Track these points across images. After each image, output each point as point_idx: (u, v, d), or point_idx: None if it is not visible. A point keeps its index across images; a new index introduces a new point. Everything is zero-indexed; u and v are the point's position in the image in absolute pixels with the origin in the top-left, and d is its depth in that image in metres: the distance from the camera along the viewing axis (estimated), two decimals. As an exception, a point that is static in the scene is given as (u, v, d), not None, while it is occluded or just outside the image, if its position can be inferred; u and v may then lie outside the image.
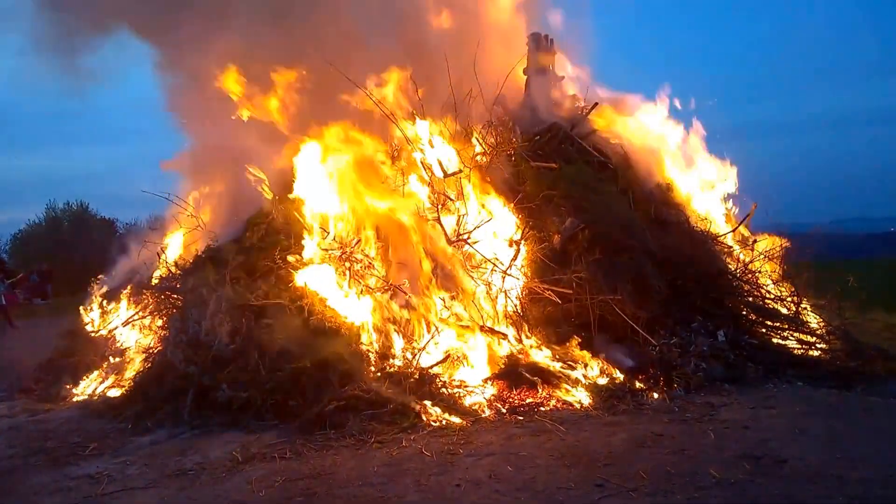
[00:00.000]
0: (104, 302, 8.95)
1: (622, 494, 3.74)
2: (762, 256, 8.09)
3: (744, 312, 7.36)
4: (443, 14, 9.27)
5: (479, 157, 7.73)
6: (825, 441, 4.45)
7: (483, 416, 5.44)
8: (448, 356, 6.17)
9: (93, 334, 8.50)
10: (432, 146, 7.12)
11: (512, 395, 5.77)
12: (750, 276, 7.99)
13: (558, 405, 5.60)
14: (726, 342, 6.55)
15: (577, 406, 5.57)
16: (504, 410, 5.53)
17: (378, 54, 7.95)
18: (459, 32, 9.02)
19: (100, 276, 9.46)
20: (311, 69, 8.09)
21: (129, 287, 8.81)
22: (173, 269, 8.08)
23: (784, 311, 7.67)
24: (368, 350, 6.11)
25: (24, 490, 4.42)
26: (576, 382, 5.88)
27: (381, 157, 7.47)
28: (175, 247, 8.85)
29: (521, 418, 5.31)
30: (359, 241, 6.88)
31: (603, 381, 5.98)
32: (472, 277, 6.72)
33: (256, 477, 4.32)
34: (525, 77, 9.22)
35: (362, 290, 6.54)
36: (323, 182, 7.07)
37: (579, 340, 6.29)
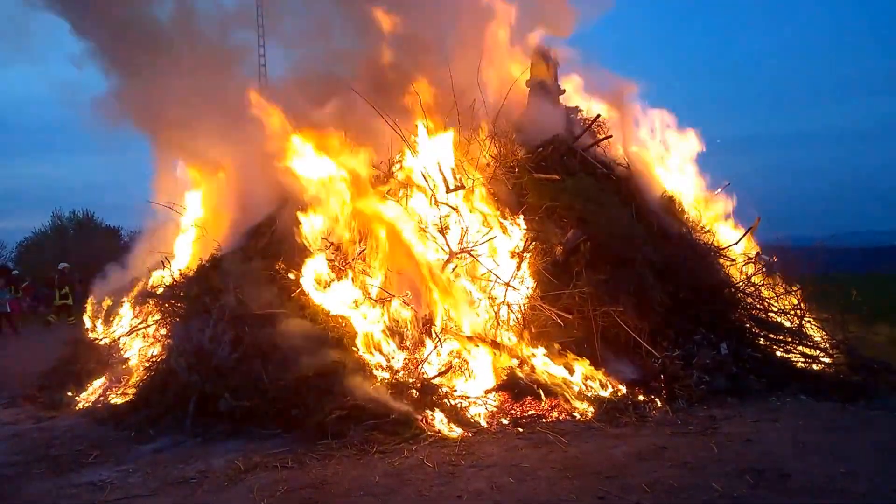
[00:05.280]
0: (108, 310, 8.99)
1: (624, 507, 3.73)
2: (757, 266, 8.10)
3: (747, 325, 7.36)
4: (446, 26, 9.37)
5: (481, 169, 7.78)
6: (828, 455, 4.43)
7: (485, 427, 5.44)
8: (450, 367, 6.18)
9: (96, 342, 8.53)
10: (439, 166, 7.15)
11: (514, 407, 5.77)
12: (753, 288, 7.99)
13: (561, 417, 5.60)
14: (729, 355, 6.54)
15: (580, 418, 5.57)
16: (506, 422, 5.53)
17: (381, 67, 8.04)
18: (463, 45, 9.11)
19: (93, 288, 9.53)
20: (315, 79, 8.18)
21: (130, 294, 8.86)
22: (177, 278, 8.12)
23: (787, 324, 7.67)
24: (371, 360, 6.11)
25: (27, 497, 4.42)
26: (578, 394, 5.88)
27: (383, 169, 7.53)
28: (179, 255, 8.90)
29: (523, 430, 5.31)
30: (362, 251, 6.91)
31: (605, 393, 5.97)
32: (475, 289, 6.74)
33: (258, 486, 4.32)
34: (528, 89, 9.30)
35: (365, 300, 6.56)
36: (324, 192, 7.12)
37: (582, 352, 6.29)
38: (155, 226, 10.04)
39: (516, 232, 7.07)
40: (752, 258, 8.48)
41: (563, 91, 9.44)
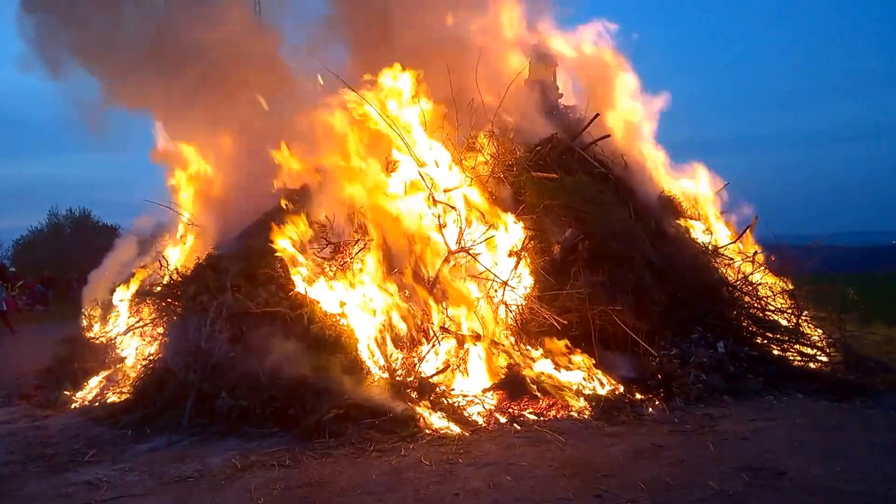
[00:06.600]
0: (104, 308, 8.99)
1: (621, 505, 3.74)
2: (760, 267, 8.12)
3: (744, 324, 7.37)
4: (445, 25, 9.36)
5: (480, 168, 7.78)
6: (824, 454, 4.45)
7: (482, 425, 5.45)
8: (448, 366, 6.18)
9: (93, 341, 8.51)
10: (438, 165, 7.15)
11: (512, 405, 5.78)
12: (750, 287, 8.01)
13: (558, 415, 5.61)
14: (726, 354, 6.56)
15: (577, 416, 5.58)
16: (504, 420, 5.54)
17: (380, 64, 8.02)
18: (462, 44, 9.10)
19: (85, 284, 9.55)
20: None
21: (121, 289, 8.86)
22: (174, 276, 8.10)
23: (784, 323, 7.69)
24: (368, 359, 6.11)
25: (23, 496, 4.41)
26: (576, 393, 5.89)
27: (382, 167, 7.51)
28: (177, 254, 8.89)
29: (521, 428, 5.31)
30: (360, 249, 6.90)
31: (603, 391, 5.98)
32: (473, 288, 6.73)
33: (255, 485, 4.32)
34: (526, 88, 9.30)
35: (363, 299, 6.55)
36: (322, 191, 7.12)
37: (579, 351, 6.30)
38: (153, 224, 10.04)
39: (515, 231, 7.07)
40: (749, 257, 8.50)
41: (562, 94, 9.47)
